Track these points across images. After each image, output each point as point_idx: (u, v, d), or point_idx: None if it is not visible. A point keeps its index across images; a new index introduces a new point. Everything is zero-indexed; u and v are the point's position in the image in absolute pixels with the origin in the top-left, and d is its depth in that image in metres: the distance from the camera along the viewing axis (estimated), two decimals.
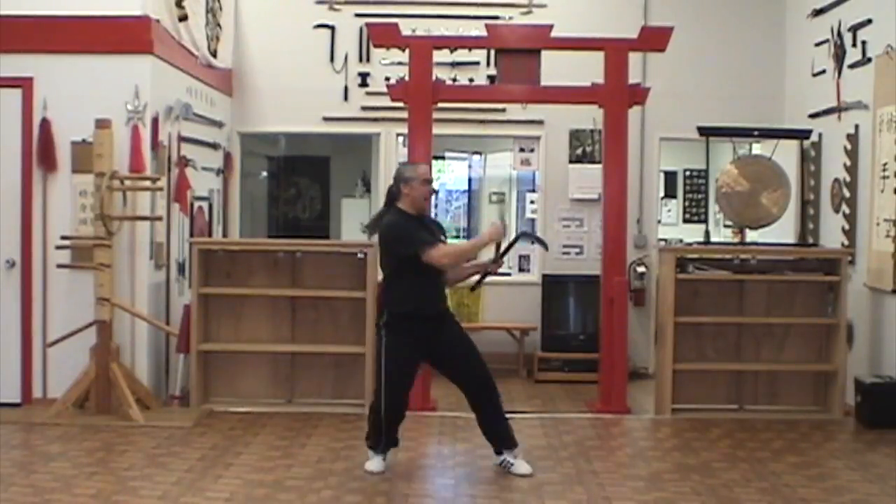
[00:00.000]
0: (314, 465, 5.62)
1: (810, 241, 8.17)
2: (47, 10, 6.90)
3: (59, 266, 6.87)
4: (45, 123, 6.97)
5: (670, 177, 11.86)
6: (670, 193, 11.97)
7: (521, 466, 5.50)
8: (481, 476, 5.51)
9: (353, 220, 11.70)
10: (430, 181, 5.56)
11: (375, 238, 7.86)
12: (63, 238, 6.81)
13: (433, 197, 5.63)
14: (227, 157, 8.99)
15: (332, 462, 5.69)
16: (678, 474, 5.55)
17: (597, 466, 5.71)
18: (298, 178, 13.05)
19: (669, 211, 11.98)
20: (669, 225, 11.73)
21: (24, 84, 6.98)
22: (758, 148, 9.06)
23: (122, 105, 6.93)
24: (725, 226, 11.00)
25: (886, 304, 6.99)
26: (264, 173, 12.90)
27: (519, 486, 5.30)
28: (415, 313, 5.38)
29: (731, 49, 9.17)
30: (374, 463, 5.50)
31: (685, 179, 12.15)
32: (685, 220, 12.10)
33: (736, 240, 9.89)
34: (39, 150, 6.98)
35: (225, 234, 8.99)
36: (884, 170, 6.97)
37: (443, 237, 5.61)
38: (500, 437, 5.57)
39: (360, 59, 9.20)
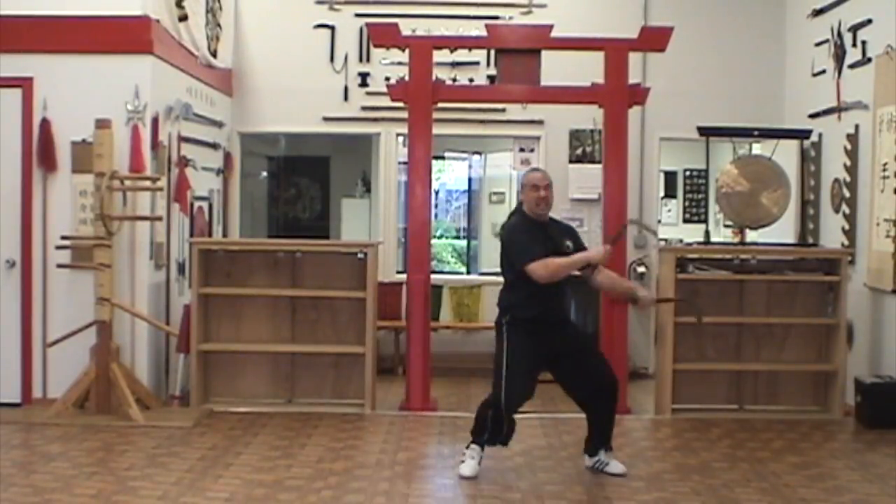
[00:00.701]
0: (314, 465, 5.62)
1: (810, 241, 8.17)
2: (47, 10, 6.91)
3: (59, 266, 6.87)
4: (45, 123, 6.97)
5: (670, 177, 11.85)
6: (670, 193, 11.96)
7: (616, 466, 5.52)
8: (481, 476, 5.49)
9: (354, 220, 11.72)
10: (537, 187, 5.47)
11: (378, 238, 7.91)
12: (63, 238, 6.81)
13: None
14: (227, 157, 8.99)
15: (332, 462, 5.69)
16: (678, 474, 5.55)
17: None
18: (298, 178, 13.05)
19: (669, 211, 11.98)
20: (669, 225, 11.72)
21: (24, 84, 6.98)
22: (758, 148, 9.07)
23: (122, 105, 6.93)
24: (726, 226, 10.99)
25: (886, 304, 6.99)
26: (264, 173, 12.90)
27: (519, 486, 5.30)
28: (538, 318, 5.39)
29: (731, 49, 9.18)
30: (469, 466, 5.43)
31: (685, 179, 12.15)
32: (685, 220, 12.10)
33: (736, 240, 9.89)
34: (39, 150, 6.98)
35: (225, 234, 8.99)
36: (884, 170, 6.97)
37: (569, 243, 5.53)
38: (605, 437, 5.58)
39: (360, 59, 9.21)
